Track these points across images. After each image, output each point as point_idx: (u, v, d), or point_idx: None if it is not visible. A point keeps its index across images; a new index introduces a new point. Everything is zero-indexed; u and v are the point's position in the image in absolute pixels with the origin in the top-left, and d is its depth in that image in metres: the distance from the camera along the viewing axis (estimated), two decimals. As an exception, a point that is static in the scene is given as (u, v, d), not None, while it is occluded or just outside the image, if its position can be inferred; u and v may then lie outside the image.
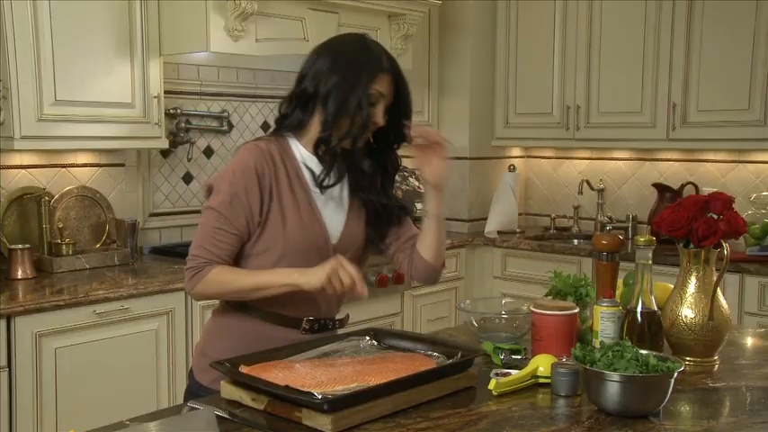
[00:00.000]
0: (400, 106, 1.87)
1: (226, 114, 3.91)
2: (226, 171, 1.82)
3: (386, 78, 1.81)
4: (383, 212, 1.95)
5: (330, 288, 1.71)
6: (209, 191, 1.83)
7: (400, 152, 2.00)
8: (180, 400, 2.91)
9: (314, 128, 1.85)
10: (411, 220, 2.03)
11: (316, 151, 1.84)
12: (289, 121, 1.87)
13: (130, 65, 3.23)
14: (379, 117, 1.82)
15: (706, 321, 1.89)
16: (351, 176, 1.92)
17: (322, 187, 1.84)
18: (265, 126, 4.10)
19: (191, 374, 1.94)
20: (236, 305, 1.87)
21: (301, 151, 1.87)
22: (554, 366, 1.67)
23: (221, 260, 1.79)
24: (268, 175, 1.80)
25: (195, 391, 1.85)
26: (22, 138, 2.93)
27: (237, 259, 1.86)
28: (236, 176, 1.78)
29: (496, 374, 1.73)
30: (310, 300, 1.85)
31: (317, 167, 1.86)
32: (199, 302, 3.08)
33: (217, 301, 1.97)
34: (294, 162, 1.85)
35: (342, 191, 1.92)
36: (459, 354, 1.72)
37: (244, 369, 1.61)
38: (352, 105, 1.78)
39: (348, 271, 1.70)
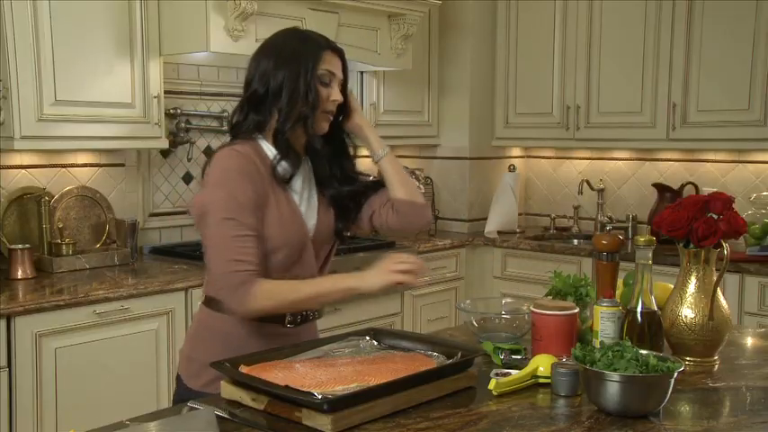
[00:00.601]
0: (345, 82, 1.92)
1: (226, 114, 3.91)
2: (214, 182, 1.78)
3: (330, 56, 1.86)
4: (350, 201, 1.97)
5: (393, 286, 1.74)
6: (201, 211, 1.77)
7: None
8: (180, 400, 2.91)
9: (272, 124, 1.86)
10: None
11: (275, 143, 1.85)
12: (245, 126, 1.87)
13: (130, 65, 3.23)
14: (337, 94, 1.87)
15: (706, 321, 1.89)
16: (314, 170, 1.94)
17: (284, 179, 1.84)
18: (265, 126, 4.10)
19: (178, 380, 1.92)
20: (217, 306, 1.85)
21: (272, 150, 1.87)
22: (554, 366, 1.67)
23: (256, 267, 1.74)
24: (254, 175, 1.80)
25: (185, 396, 1.81)
26: (22, 138, 2.93)
27: None
28: (230, 180, 1.76)
29: (496, 374, 1.73)
30: None
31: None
32: (199, 302, 3.08)
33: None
34: (268, 161, 1.85)
35: (310, 185, 1.93)
36: (459, 354, 1.72)
37: (244, 369, 1.61)
38: (301, 91, 1.81)
39: (407, 262, 1.74)
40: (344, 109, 1.93)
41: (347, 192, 1.97)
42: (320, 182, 1.95)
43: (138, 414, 1.55)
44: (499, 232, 4.45)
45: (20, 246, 3.03)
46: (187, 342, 1.97)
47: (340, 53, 1.89)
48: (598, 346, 1.72)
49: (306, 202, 1.90)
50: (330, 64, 1.85)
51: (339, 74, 1.88)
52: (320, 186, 1.95)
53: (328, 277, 1.82)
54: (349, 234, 2.04)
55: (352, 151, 2.00)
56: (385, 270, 1.74)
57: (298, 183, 1.89)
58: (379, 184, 2.01)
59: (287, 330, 1.88)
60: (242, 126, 1.87)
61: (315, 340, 1.86)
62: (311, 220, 1.90)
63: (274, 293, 1.75)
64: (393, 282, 1.74)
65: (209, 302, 1.89)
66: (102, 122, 3.15)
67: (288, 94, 1.81)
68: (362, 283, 1.76)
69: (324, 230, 1.94)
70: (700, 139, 3.92)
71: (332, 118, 1.89)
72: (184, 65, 3.72)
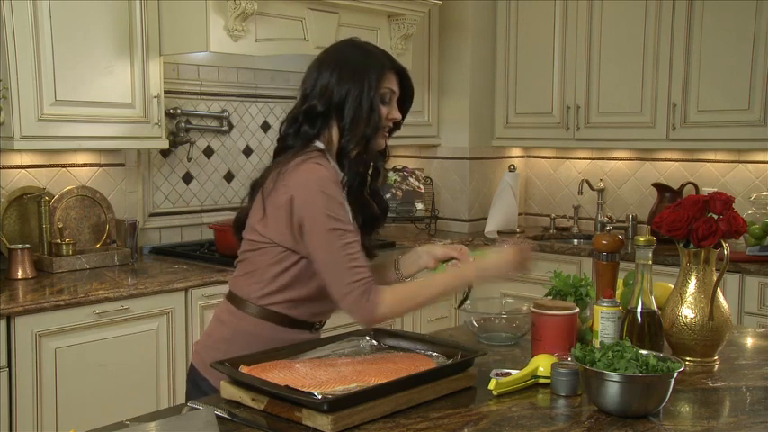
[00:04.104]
0: (405, 97, 1.94)
1: (226, 114, 3.91)
2: (312, 195, 1.75)
3: (391, 75, 1.87)
4: (371, 217, 1.98)
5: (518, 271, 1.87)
6: (301, 215, 1.77)
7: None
8: (180, 400, 2.91)
9: (333, 140, 1.86)
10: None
11: (339, 161, 1.86)
12: (296, 139, 1.86)
13: (130, 65, 3.23)
14: (396, 112, 1.89)
15: (706, 321, 1.89)
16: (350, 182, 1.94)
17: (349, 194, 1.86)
18: (265, 126, 4.10)
19: (203, 383, 1.89)
20: (255, 311, 1.86)
21: (334, 164, 1.87)
22: (554, 366, 1.68)
23: (368, 268, 1.76)
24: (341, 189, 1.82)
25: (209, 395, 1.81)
26: (22, 138, 2.93)
27: (264, 265, 1.85)
28: (328, 190, 1.76)
29: (496, 374, 1.73)
30: (329, 308, 1.90)
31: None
32: (199, 302, 3.09)
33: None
34: (339, 177, 1.85)
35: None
36: (459, 354, 1.72)
37: (244, 369, 1.61)
38: (365, 109, 1.81)
39: (528, 250, 1.85)
40: (397, 125, 1.95)
41: (376, 209, 1.98)
42: (352, 197, 1.94)
43: (138, 414, 1.55)
44: (499, 232, 4.45)
45: (20, 246, 3.03)
46: (217, 346, 1.91)
47: (401, 72, 1.90)
48: (598, 346, 1.72)
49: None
50: (391, 82, 1.87)
51: (398, 90, 1.89)
52: (353, 201, 1.94)
53: (447, 273, 1.87)
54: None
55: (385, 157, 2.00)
56: (509, 262, 1.84)
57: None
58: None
59: (313, 335, 1.90)
60: (294, 138, 1.87)
61: (315, 340, 1.86)
62: None
63: (404, 299, 1.79)
64: (515, 274, 1.86)
65: (240, 303, 1.89)
66: (102, 122, 3.15)
67: (351, 113, 1.82)
68: (486, 274, 1.85)
69: None
70: (700, 139, 3.92)
71: (389, 135, 1.91)
72: (184, 65, 3.72)
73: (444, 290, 1.86)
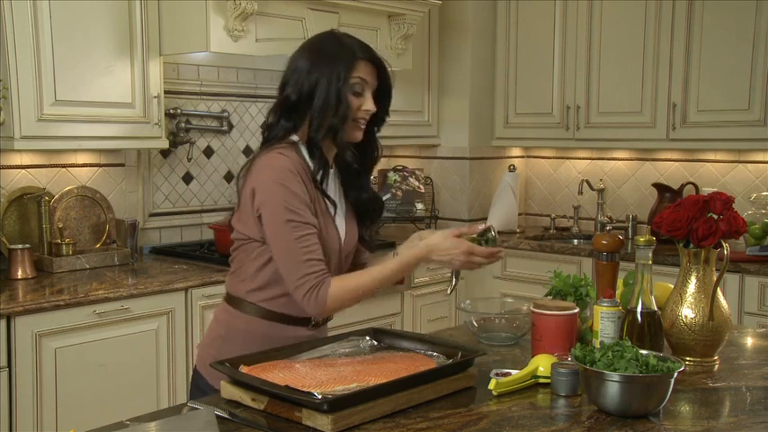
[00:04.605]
0: (383, 90, 1.90)
1: (226, 114, 3.91)
2: (269, 186, 1.76)
3: (365, 66, 1.84)
4: (367, 209, 1.98)
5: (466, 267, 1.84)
6: (258, 207, 1.78)
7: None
8: (180, 400, 2.91)
9: (307, 131, 1.86)
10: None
11: (309, 151, 1.85)
12: (276, 132, 1.87)
13: (130, 65, 3.23)
14: (370, 103, 1.85)
15: (706, 321, 1.89)
16: (342, 176, 1.95)
17: (322, 187, 1.85)
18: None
19: (200, 381, 1.90)
20: (250, 309, 1.87)
21: (305, 155, 1.87)
22: (554, 366, 1.67)
23: (323, 261, 1.76)
24: (303, 178, 1.80)
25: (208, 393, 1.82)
26: (22, 138, 2.93)
27: (247, 262, 1.86)
28: (286, 181, 1.76)
29: (496, 374, 1.73)
30: None
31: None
32: (199, 302, 3.09)
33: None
34: (309, 168, 1.84)
35: (338, 192, 1.93)
36: (459, 354, 1.72)
37: (244, 369, 1.61)
38: (332, 98, 1.80)
39: (483, 263, 1.84)
40: (379, 118, 1.92)
41: (373, 197, 1.98)
42: (347, 188, 1.95)
43: (138, 414, 1.55)
44: (499, 232, 4.44)
45: (20, 246, 3.03)
46: (212, 343, 1.92)
47: (376, 62, 1.86)
48: (598, 346, 1.72)
49: (339, 210, 1.91)
50: (364, 72, 1.83)
51: (373, 82, 1.86)
52: (346, 193, 1.95)
53: (394, 260, 1.84)
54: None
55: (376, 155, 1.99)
56: (462, 259, 1.82)
57: (331, 191, 1.90)
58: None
59: (310, 332, 1.90)
60: (273, 130, 1.87)
61: (315, 340, 1.86)
62: (342, 228, 1.91)
63: (350, 289, 1.77)
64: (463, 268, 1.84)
65: (234, 302, 1.89)
66: (102, 122, 3.15)
67: (319, 102, 1.80)
68: (432, 254, 1.82)
69: (352, 239, 1.95)
70: (700, 139, 3.92)
71: (364, 126, 1.88)
72: (184, 65, 3.72)
73: (391, 276, 1.82)
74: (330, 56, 1.82)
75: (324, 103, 1.80)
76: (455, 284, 1.96)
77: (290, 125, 1.85)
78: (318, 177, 1.84)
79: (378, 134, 1.96)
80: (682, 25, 3.90)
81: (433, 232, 1.92)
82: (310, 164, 1.84)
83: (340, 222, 1.91)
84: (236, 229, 1.86)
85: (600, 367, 1.54)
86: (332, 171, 1.91)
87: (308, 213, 1.77)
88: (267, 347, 1.78)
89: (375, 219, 2.01)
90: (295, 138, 1.86)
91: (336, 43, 1.85)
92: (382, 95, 1.90)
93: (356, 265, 2.01)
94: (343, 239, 1.91)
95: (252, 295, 1.86)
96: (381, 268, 1.83)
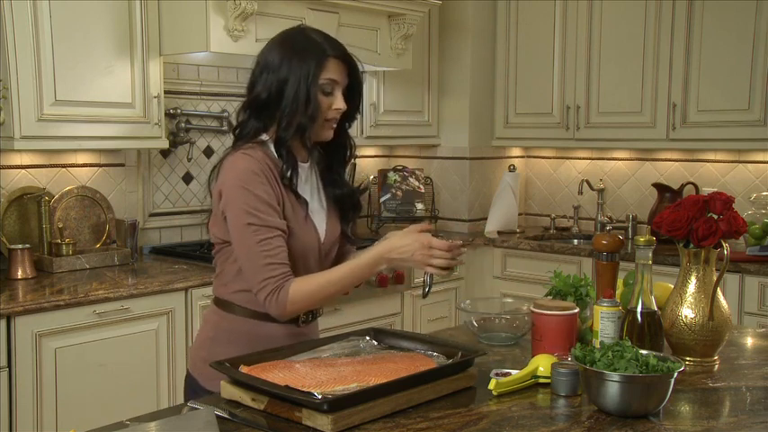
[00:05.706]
0: (354, 87, 1.88)
1: (226, 114, 3.91)
2: (232, 183, 1.76)
3: (335, 63, 1.82)
4: (351, 201, 1.98)
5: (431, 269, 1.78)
6: (223, 210, 1.78)
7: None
8: (180, 400, 2.91)
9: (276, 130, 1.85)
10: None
11: (276, 150, 1.83)
12: (246, 131, 1.86)
13: (130, 65, 3.23)
14: (340, 102, 1.83)
15: (706, 321, 1.89)
16: (320, 173, 1.94)
17: (292, 186, 1.84)
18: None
19: (192, 383, 1.90)
20: (238, 311, 1.86)
21: (272, 154, 1.86)
22: (554, 366, 1.67)
23: (287, 267, 1.75)
24: (270, 178, 1.79)
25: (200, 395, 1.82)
26: (22, 138, 2.93)
27: (226, 265, 1.85)
28: (248, 184, 1.75)
29: (496, 374, 1.73)
30: None
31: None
32: (199, 302, 3.09)
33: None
34: (278, 167, 1.83)
35: (318, 190, 1.93)
36: (459, 354, 1.72)
37: (244, 369, 1.61)
38: (301, 98, 1.78)
39: (444, 258, 1.76)
40: (351, 115, 1.91)
41: (349, 192, 1.97)
42: (324, 185, 1.95)
43: (138, 414, 1.55)
44: (499, 232, 4.45)
45: (20, 246, 3.03)
46: (202, 345, 1.92)
47: (346, 60, 1.84)
48: (598, 346, 1.72)
49: (316, 207, 1.90)
50: (334, 71, 1.81)
51: (343, 80, 1.84)
52: (325, 189, 1.95)
53: (356, 261, 1.81)
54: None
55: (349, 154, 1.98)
56: (422, 253, 1.76)
57: (306, 188, 1.89)
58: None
59: (300, 330, 1.89)
60: (244, 128, 1.86)
61: (315, 340, 1.86)
62: (321, 225, 1.91)
63: (310, 292, 1.76)
64: (423, 268, 1.78)
65: (221, 304, 1.89)
66: (102, 122, 3.15)
67: (288, 101, 1.79)
68: (391, 252, 1.78)
69: (332, 235, 1.94)
70: (700, 139, 3.92)
71: (335, 125, 1.87)
72: (184, 65, 3.72)
73: (353, 277, 1.80)
74: (300, 53, 1.80)
75: (293, 102, 1.79)
76: (429, 288, 1.90)
77: (260, 125, 1.84)
78: (288, 176, 1.82)
79: (348, 130, 1.95)
80: (682, 25, 3.90)
81: (397, 232, 1.89)
82: (277, 163, 1.83)
83: (319, 218, 1.90)
84: (212, 233, 1.86)
85: (600, 367, 1.54)
86: (307, 166, 1.90)
87: (273, 215, 1.76)
88: (256, 345, 1.78)
89: (354, 213, 2.00)
90: (265, 137, 1.85)
91: (306, 40, 1.83)
92: (353, 92, 1.88)
93: (340, 259, 2.00)
94: (322, 235, 1.90)
95: (237, 297, 1.86)
96: (343, 268, 1.81)
